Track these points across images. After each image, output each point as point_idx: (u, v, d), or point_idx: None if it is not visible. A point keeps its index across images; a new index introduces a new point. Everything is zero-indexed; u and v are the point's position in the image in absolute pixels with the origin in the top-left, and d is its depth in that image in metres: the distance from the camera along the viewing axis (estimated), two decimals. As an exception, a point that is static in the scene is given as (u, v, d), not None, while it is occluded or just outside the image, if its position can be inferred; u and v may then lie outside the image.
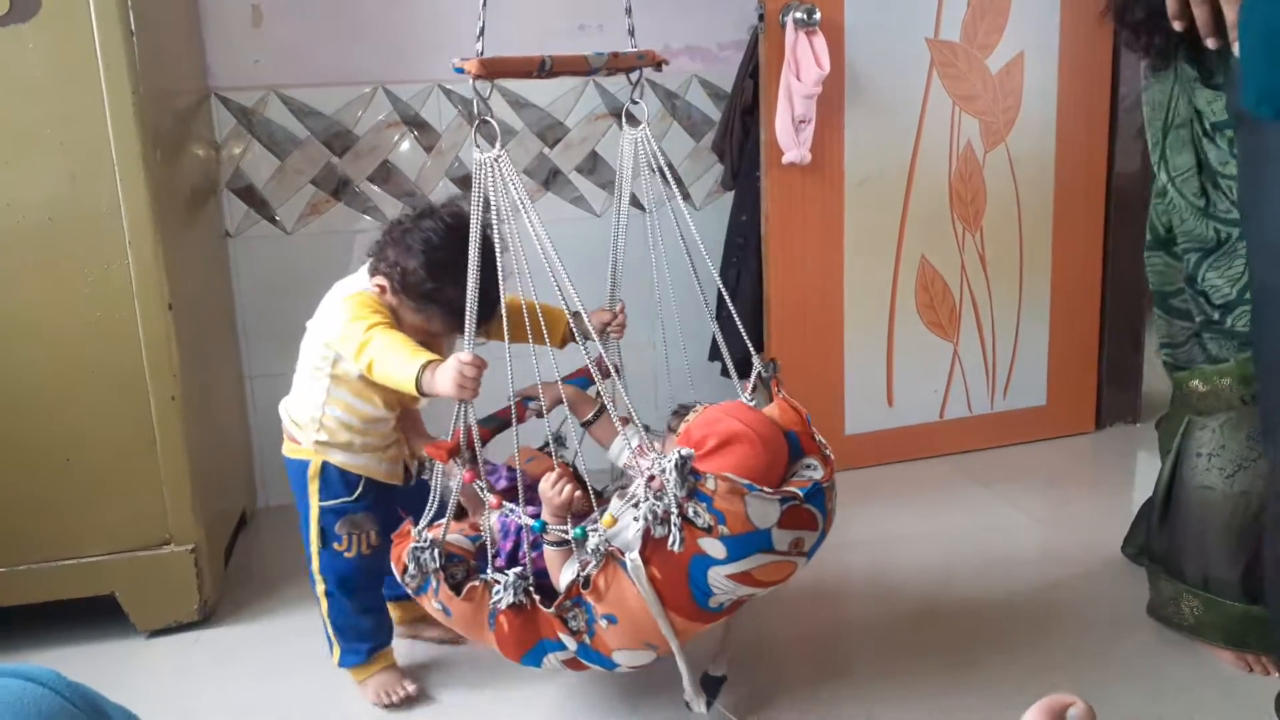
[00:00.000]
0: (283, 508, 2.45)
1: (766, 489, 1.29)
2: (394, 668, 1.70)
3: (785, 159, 2.30)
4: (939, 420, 2.65)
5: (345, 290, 1.58)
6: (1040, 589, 1.97)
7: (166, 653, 1.84)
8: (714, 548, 1.28)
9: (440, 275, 1.50)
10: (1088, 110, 2.59)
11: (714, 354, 2.17)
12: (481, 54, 1.37)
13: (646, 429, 1.47)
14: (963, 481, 2.50)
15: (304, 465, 1.61)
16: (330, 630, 1.68)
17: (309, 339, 1.61)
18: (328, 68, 2.37)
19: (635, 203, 2.57)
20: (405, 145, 2.44)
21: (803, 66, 2.23)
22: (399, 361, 1.42)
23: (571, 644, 1.40)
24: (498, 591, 1.39)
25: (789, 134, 2.27)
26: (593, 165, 2.54)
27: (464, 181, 2.47)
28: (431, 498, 1.48)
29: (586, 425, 1.62)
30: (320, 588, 1.66)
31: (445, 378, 1.38)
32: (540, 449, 1.69)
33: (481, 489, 1.42)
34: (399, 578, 1.50)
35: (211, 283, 2.25)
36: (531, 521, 1.39)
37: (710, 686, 1.54)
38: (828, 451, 1.47)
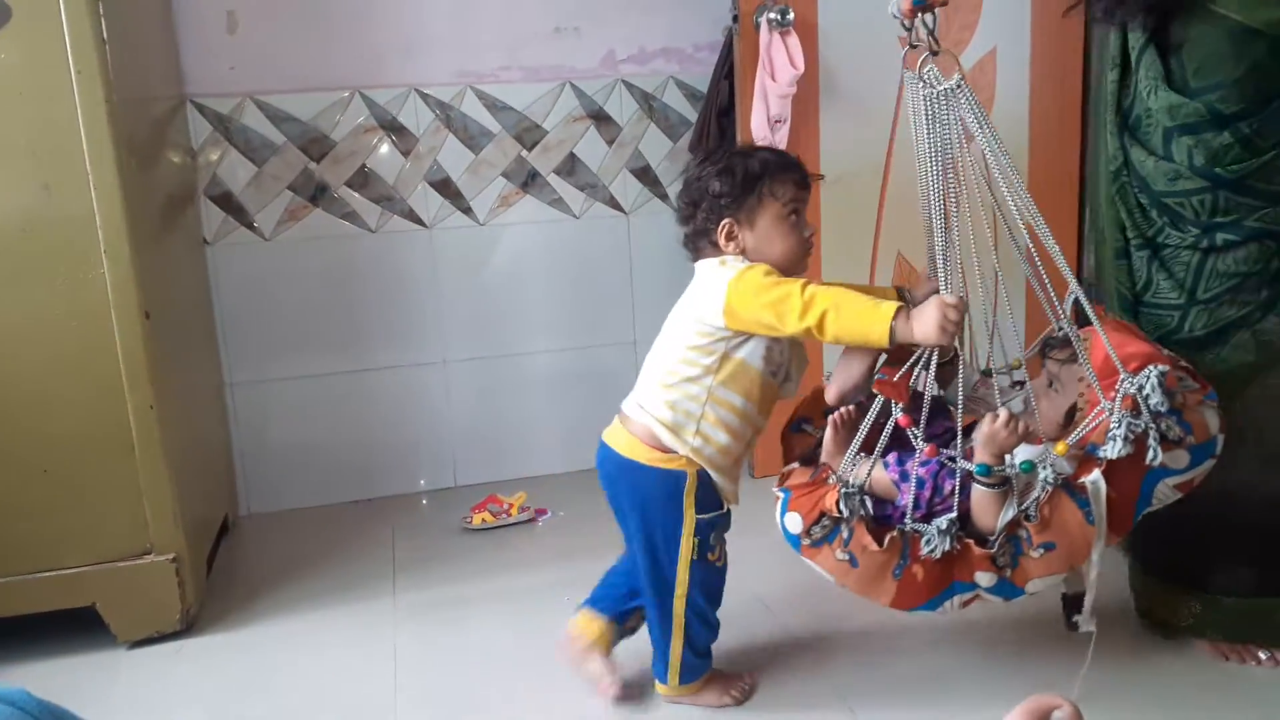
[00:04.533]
0: (265, 514, 2.45)
1: (1210, 396, 1.40)
2: (718, 670, 1.66)
3: (762, 158, 2.31)
4: (919, 416, 2.66)
5: (719, 275, 1.47)
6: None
7: (148, 664, 1.83)
8: (1179, 459, 1.38)
9: (740, 154, 1.53)
10: (1059, 106, 2.61)
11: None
12: None
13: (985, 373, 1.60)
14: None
15: (678, 478, 1.51)
16: (680, 649, 1.58)
17: (680, 330, 1.51)
18: (304, 73, 2.36)
19: (615, 204, 2.59)
20: (383, 150, 2.43)
21: (777, 67, 2.24)
22: (863, 311, 1.37)
23: (988, 580, 1.44)
24: (929, 540, 1.41)
25: (765, 134, 2.28)
26: (571, 167, 2.54)
27: (442, 185, 2.47)
28: (861, 431, 1.46)
29: (942, 367, 1.53)
30: (680, 604, 1.56)
31: (929, 323, 1.33)
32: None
33: (915, 436, 1.42)
34: (803, 529, 1.47)
35: (190, 290, 2.24)
36: (973, 466, 1.40)
37: (1075, 604, 1.53)
38: (1184, 362, 1.50)
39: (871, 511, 1.45)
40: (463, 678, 1.75)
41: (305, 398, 2.47)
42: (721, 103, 2.41)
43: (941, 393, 1.52)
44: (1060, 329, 1.51)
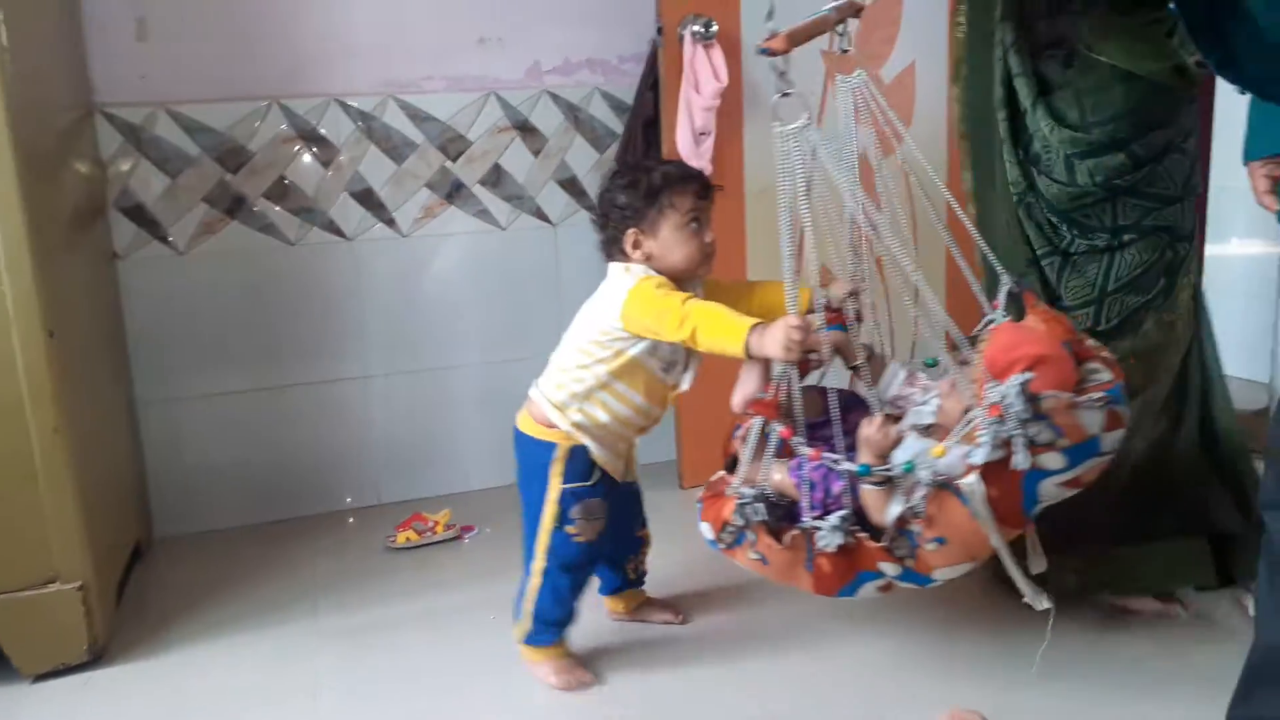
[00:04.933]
0: (180, 537, 2.37)
1: (1091, 398, 1.41)
2: (571, 654, 1.77)
3: (687, 171, 2.32)
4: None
5: (621, 283, 1.62)
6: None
7: (54, 698, 1.75)
8: (1053, 460, 1.40)
9: (645, 169, 1.65)
10: (979, 119, 2.66)
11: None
12: (777, 32, 1.46)
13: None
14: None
15: (550, 447, 1.67)
16: (531, 607, 1.72)
17: (584, 326, 1.66)
18: (219, 82, 2.30)
19: (541, 215, 2.57)
20: (303, 160, 2.38)
21: (701, 79, 2.25)
22: (725, 326, 1.51)
23: (893, 570, 1.50)
24: (823, 536, 1.48)
25: (689, 146, 2.29)
26: (496, 178, 2.51)
27: (364, 196, 2.43)
28: (749, 447, 1.56)
29: (855, 369, 1.68)
30: (538, 565, 1.70)
31: (774, 340, 1.46)
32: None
33: (799, 444, 1.52)
34: (714, 535, 1.58)
35: (99, 307, 2.16)
36: (856, 466, 1.47)
37: (1041, 582, 1.58)
38: (1104, 354, 1.55)
39: (766, 517, 1.53)
40: (387, 702, 1.71)
41: (222, 416, 2.40)
42: (647, 114, 2.41)
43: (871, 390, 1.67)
44: (993, 321, 1.59)
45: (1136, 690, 1.65)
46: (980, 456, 1.38)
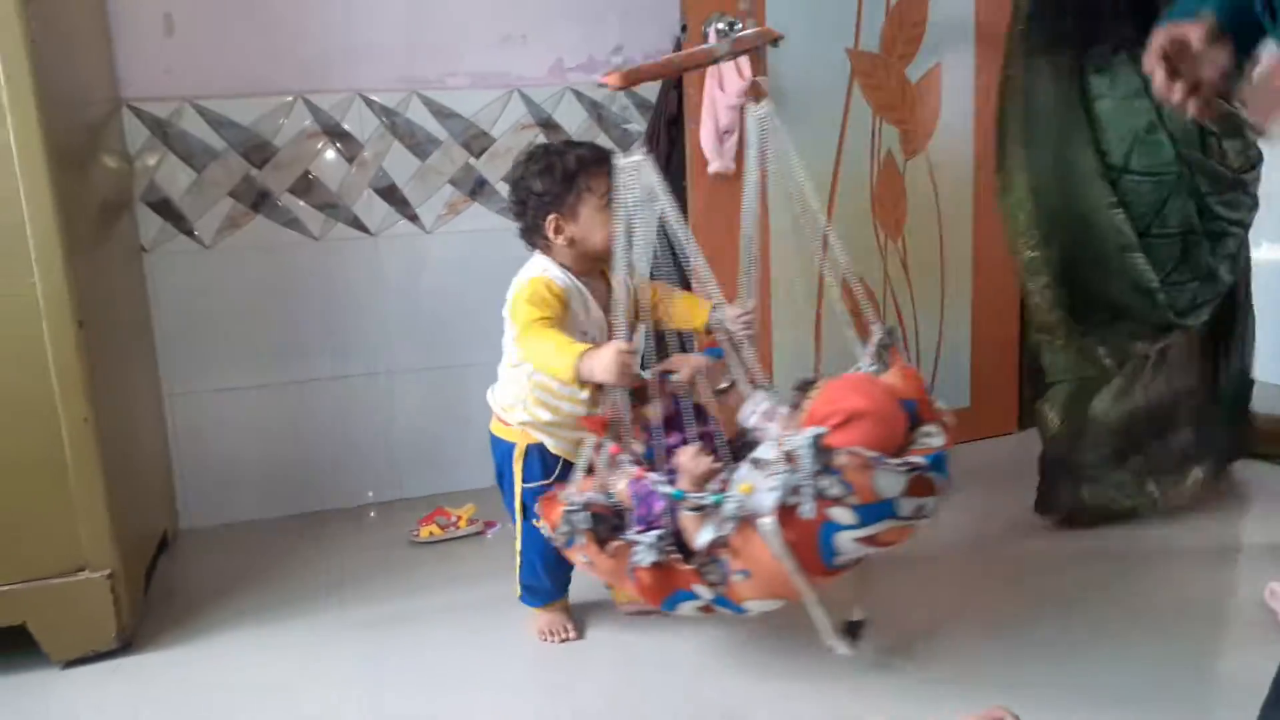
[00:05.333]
0: (206, 528, 2.40)
1: (892, 461, 1.40)
2: (564, 610, 1.87)
3: (710, 169, 2.32)
4: (866, 423, 2.68)
5: (514, 282, 1.71)
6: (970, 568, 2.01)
7: (83, 684, 1.77)
8: (844, 515, 1.41)
9: (557, 153, 1.69)
10: (1003, 119, 2.65)
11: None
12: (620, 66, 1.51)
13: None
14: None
15: (510, 447, 1.77)
16: (519, 576, 1.86)
17: (507, 325, 1.74)
18: (245, 78, 2.32)
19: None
20: (327, 156, 2.40)
21: (726, 78, 2.25)
22: (555, 352, 1.57)
23: (707, 594, 1.54)
24: (638, 551, 1.52)
25: (713, 145, 2.29)
26: (519, 175, 2.52)
27: (388, 192, 2.44)
28: (582, 459, 1.66)
29: (720, 393, 1.75)
30: (518, 546, 1.84)
31: (604, 366, 1.51)
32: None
33: (625, 461, 1.60)
34: (549, 534, 1.65)
35: (127, 299, 2.18)
36: (672, 490, 1.52)
37: (853, 630, 1.63)
38: (946, 419, 1.56)
39: (590, 525, 1.58)
40: (411, 694, 1.73)
41: (247, 409, 2.42)
42: (671, 112, 2.41)
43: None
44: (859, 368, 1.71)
45: (1157, 693, 1.64)
46: (771, 500, 1.40)
